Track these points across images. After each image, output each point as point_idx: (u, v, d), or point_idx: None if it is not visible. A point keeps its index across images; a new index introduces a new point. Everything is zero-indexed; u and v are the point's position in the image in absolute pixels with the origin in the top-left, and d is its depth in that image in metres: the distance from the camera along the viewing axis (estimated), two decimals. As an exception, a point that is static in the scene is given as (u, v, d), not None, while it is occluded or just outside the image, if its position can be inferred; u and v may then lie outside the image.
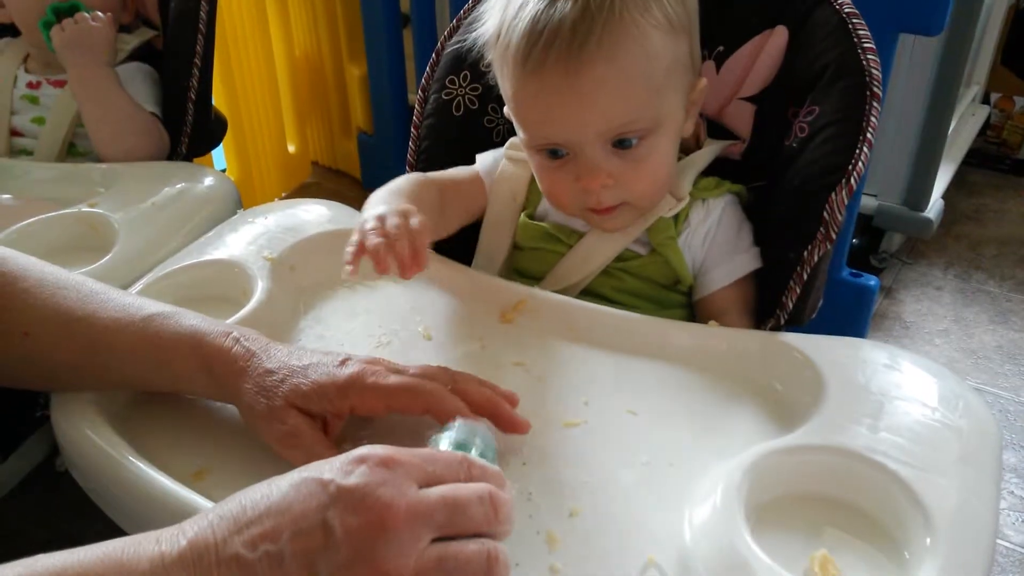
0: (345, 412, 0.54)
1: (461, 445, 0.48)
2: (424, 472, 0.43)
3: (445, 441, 0.48)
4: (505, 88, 0.70)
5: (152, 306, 0.58)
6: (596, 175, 0.67)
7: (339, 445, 0.53)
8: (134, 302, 0.59)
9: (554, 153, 0.69)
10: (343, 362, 0.55)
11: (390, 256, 0.59)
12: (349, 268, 0.60)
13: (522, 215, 0.77)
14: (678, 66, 0.68)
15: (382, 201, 0.67)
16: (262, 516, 0.40)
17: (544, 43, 0.63)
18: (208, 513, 0.41)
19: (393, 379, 0.54)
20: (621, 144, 0.67)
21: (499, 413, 0.55)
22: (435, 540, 0.41)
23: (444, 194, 0.76)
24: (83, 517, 0.58)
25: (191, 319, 0.58)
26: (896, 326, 1.58)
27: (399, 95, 1.78)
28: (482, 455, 0.48)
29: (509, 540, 0.49)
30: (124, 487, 0.53)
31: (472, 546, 0.41)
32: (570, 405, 0.60)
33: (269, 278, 0.70)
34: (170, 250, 0.77)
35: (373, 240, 0.60)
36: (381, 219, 0.62)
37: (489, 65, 0.73)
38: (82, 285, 0.59)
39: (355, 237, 0.61)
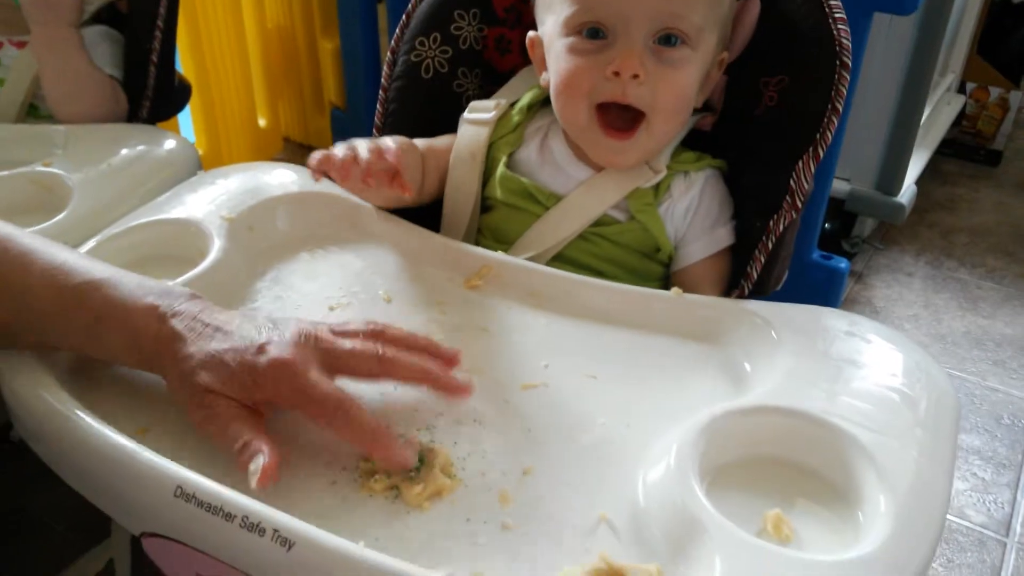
0: (260, 404, 0.51)
1: None
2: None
3: None
4: None
5: (81, 273, 0.54)
6: (631, 59, 0.66)
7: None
8: (63, 267, 0.54)
9: (593, 34, 0.68)
10: (261, 348, 0.51)
11: (355, 167, 0.67)
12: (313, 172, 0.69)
13: (501, 166, 0.75)
14: (724, 13, 0.70)
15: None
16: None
17: None
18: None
19: (313, 377, 0.50)
20: (666, 40, 0.67)
21: (435, 384, 0.54)
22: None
23: (426, 160, 0.76)
24: (41, 489, 0.56)
25: (121, 290, 0.53)
26: (866, 311, 1.59)
27: (372, 71, 1.74)
28: None
29: (461, 495, 0.49)
30: (73, 443, 0.51)
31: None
32: (529, 368, 0.59)
33: (226, 238, 0.68)
34: (125, 211, 0.74)
35: (342, 152, 0.68)
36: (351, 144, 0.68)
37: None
38: (10, 243, 0.55)
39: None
